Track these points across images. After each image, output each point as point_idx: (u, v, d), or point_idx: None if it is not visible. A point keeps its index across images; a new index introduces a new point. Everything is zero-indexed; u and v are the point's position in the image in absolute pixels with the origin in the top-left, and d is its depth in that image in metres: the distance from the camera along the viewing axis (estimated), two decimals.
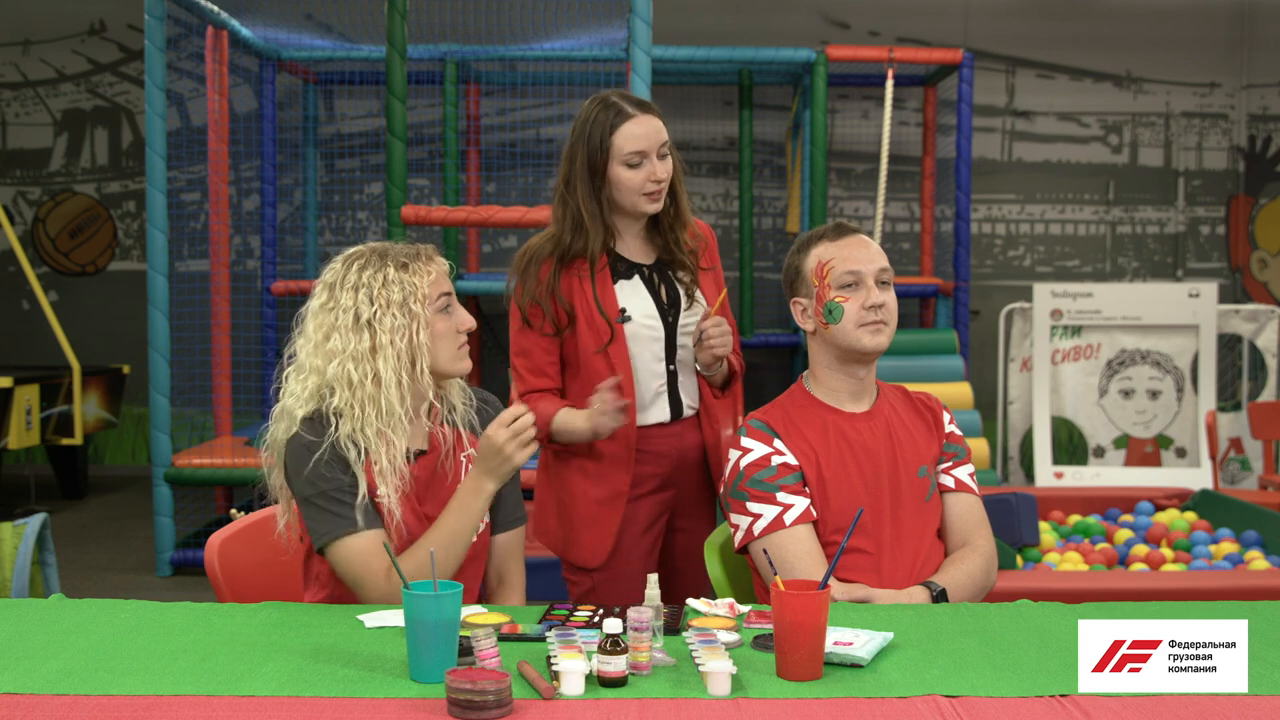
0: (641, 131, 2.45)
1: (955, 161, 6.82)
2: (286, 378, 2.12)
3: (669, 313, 2.55)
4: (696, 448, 2.61)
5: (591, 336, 2.49)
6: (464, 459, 2.17)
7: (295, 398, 2.08)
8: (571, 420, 2.47)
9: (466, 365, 2.16)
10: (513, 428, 2.04)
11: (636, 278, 2.55)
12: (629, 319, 2.50)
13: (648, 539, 2.57)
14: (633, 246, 2.57)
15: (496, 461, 2.04)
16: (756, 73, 7.27)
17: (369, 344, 2.05)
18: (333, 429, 2.04)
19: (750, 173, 7.47)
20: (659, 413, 2.56)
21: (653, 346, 2.53)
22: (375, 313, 2.05)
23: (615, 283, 2.53)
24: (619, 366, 2.49)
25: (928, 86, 7.38)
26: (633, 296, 2.53)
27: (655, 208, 2.51)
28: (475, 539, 2.15)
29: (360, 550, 2.01)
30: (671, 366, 2.55)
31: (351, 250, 2.15)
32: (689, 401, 2.60)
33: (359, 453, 2.03)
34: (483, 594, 2.26)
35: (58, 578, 3.34)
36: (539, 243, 2.54)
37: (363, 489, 2.03)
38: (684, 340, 2.56)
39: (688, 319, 2.56)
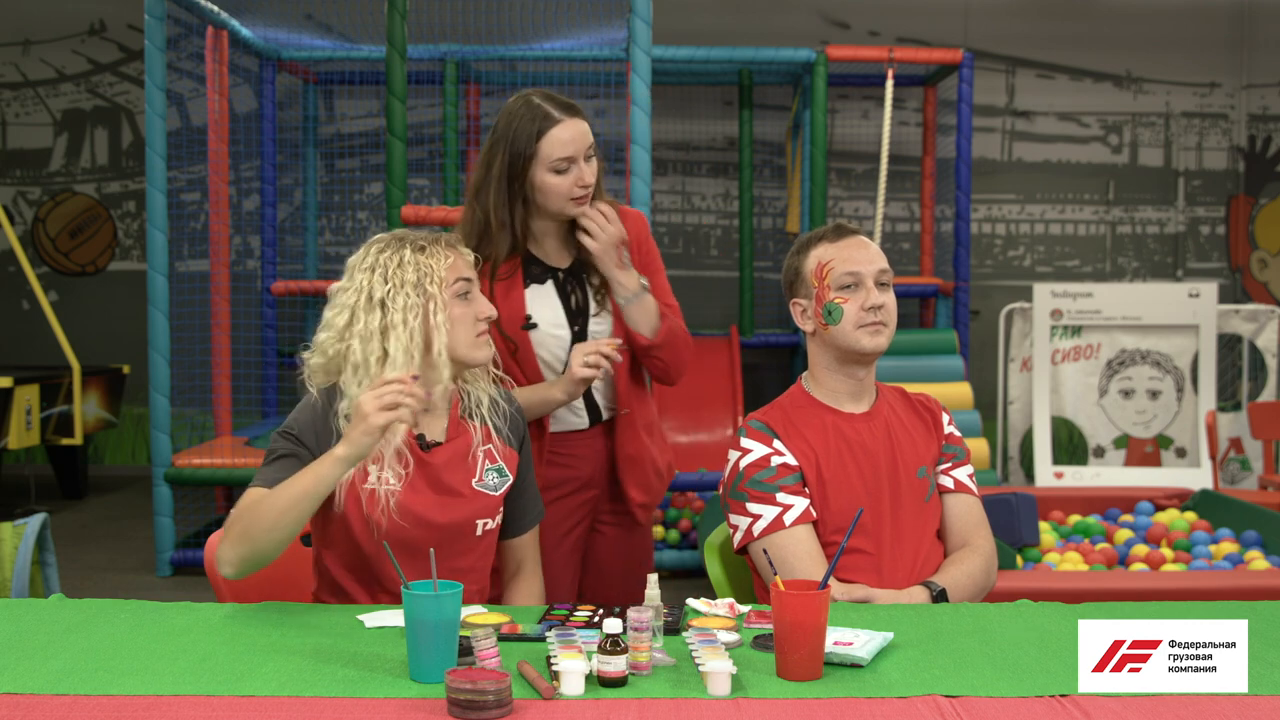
0: (569, 136, 2.38)
1: (955, 161, 6.81)
2: (307, 360, 2.14)
3: (576, 320, 2.51)
4: (608, 453, 2.59)
5: (501, 343, 2.45)
6: (482, 454, 2.16)
7: (309, 376, 2.12)
8: (529, 394, 2.43)
9: (485, 354, 2.15)
10: (377, 390, 1.90)
11: (550, 282, 2.51)
12: (534, 326, 2.48)
13: (567, 542, 2.56)
14: (550, 248, 2.53)
15: (355, 422, 1.89)
16: (756, 73, 7.26)
17: (380, 323, 2.05)
18: (338, 403, 2.07)
19: (750, 173, 7.46)
20: (575, 419, 2.54)
21: (559, 353, 2.50)
22: (389, 291, 2.06)
23: (527, 286, 2.49)
24: (528, 371, 2.48)
25: (928, 86, 7.38)
26: (542, 303, 2.50)
27: (582, 211, 2.46)
28: (480, 533, 2.14)
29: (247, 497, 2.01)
30: None
31: (377, 236, 2.17)
32: (606, 404, 2.57)
33: None
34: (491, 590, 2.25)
35: (58, 578, 3.34)
36: None
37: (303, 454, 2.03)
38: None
39: (597, 325, 2.52)
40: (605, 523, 2.63)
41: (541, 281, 2.51)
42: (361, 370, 2.04)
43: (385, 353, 2.04)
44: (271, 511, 1.92)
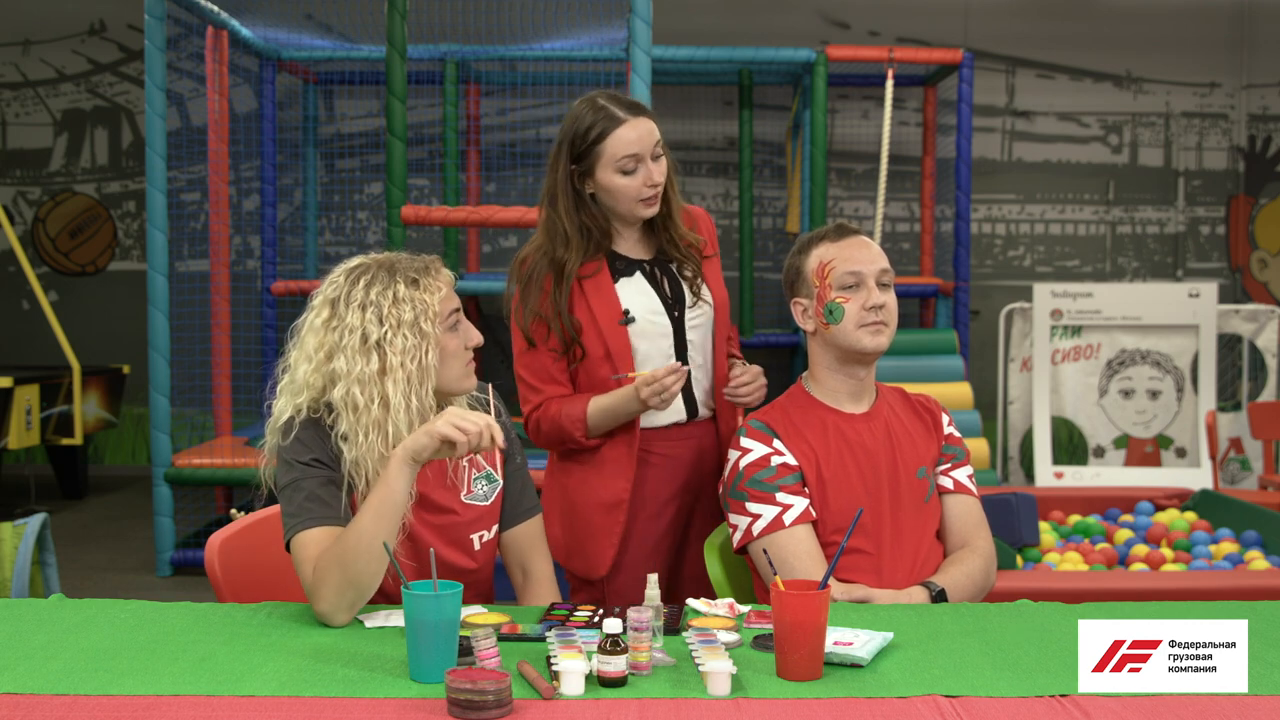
0: (634, 135, 2.34)
1: (955, 161, 6.82)
2: (280, 391, 2.04)
3: (674, 307, 2.46)
4: (715, 450, 2.52)
5: (597, 344, 2.40)
6: (466, 463, 2.12)
7: (293, 408, 2.01)
8: (610, 401, 2.36)
9: (472, 383, 2.09)
10: (462, 413, 1.88)
11: (638, 274, 2.45)
12: (632, 320, 2.41)
13: (661, 548, 2.49)
14: (630, 242, 2.48)
15: (427, 425, 1.89)
16: (756, 73, 7.27)
17: (378, 366, 1.95)
18: (335, 435, 1.98)
19: (750, 173, 7.47)
20: (673, 413, 2.46)
21: (660, 344, 2.44)
22: (385, 334, 1.96)
23: (616, 282, 2.43)
24: (624, 370, 2.40)
25: (928, 86, 7.38)
26: (636, 294, 2.43)
27: (652, 212, 2.41)
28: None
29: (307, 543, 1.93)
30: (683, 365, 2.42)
31: (354, 263, 2.05)
32: (703, 399, 2.50)
33: (364, 480, 1.95)
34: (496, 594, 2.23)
35: (58, 578, 3.35)
36: (534, 257, 2.43)
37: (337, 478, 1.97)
38: (692, 336, 2.47)
39: (694, 314, 2.47)
40: (708, 523, 2.54)
41: (629, 274, 2.44)
42: (365, 415, 1.94)
43: (385, 397, 1.95)
44: (363, 542, 1.83)
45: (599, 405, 2.38)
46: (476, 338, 2.08)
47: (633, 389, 2.34)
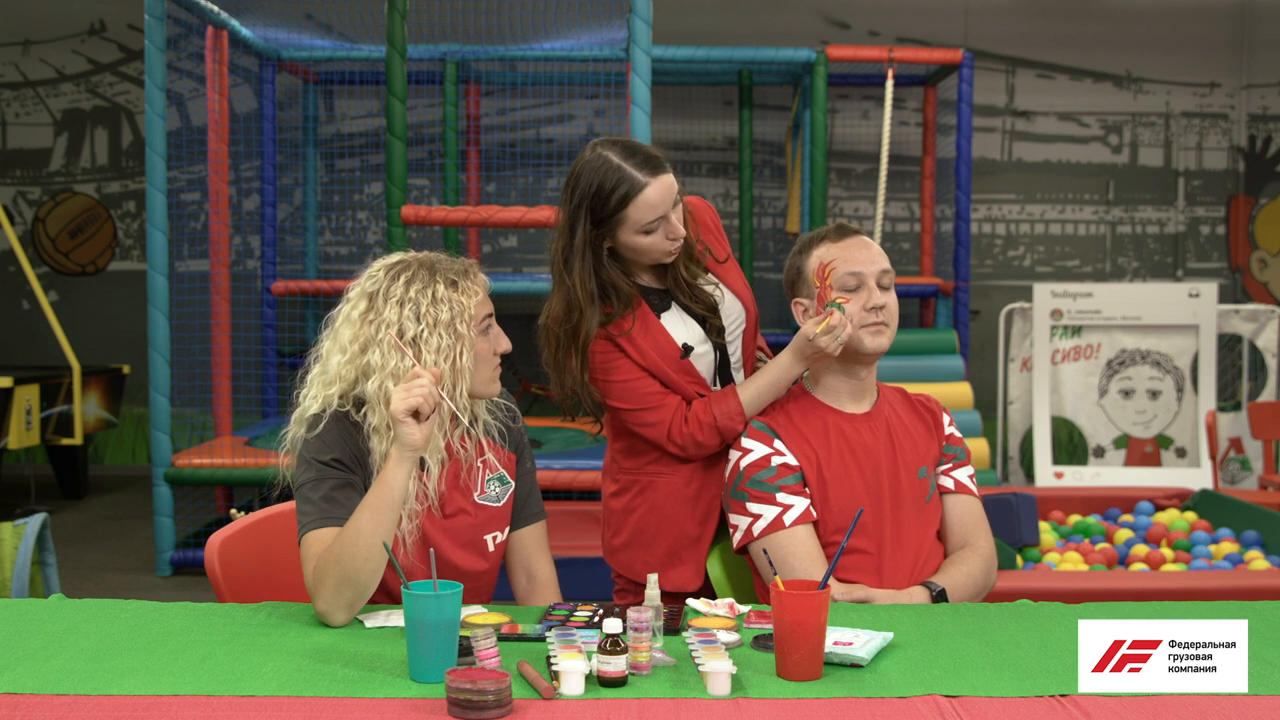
0: (658, 198, 2.19)
1: (955, 161, 6.82)
2: (311, 381, 2.05)
3: (711, 332, 2.38)
4: None
5: (660, 372, 2.32)
6: (480, 464, 2.13)
7: (317, 401, 2.02)
8: (764, 380, 2.27)
9: (497, 388, 2.11)
10: (405, 387, 1.88)
11: (674, 305, 2.37)
12: (691, 349, 2.34)
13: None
14: (648, 275, 2.38)
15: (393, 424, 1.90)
16: (756, 73, 7.27)
17: (411, 363, 1.96)
18: (363, 430, 1.99)
19: (750, 173, 7.47)
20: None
21: (707, 375, 2.38)
22: (422, 332, 1.97)
23: (659, 316, 2.34)
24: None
25: (928, 86, 7.38)
26: (681, 325, 2.34)
27: (673, 256, 2.32)
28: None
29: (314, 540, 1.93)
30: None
31: (394, 259, 2.06)
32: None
33: None
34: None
35: (58, 578, 3.35)
36: (556, 329, 2.29)
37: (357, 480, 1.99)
38: (732, 348, 2.41)
39: (730, 334, 2.41)
40: None
41: (666, 308, 2.35)
42: None
43: None
44: (360, 540, 1.85)
45: (754, 389, 2.29)
46: (506, 344, 2.09)
47: (789, 354, 2.26)
